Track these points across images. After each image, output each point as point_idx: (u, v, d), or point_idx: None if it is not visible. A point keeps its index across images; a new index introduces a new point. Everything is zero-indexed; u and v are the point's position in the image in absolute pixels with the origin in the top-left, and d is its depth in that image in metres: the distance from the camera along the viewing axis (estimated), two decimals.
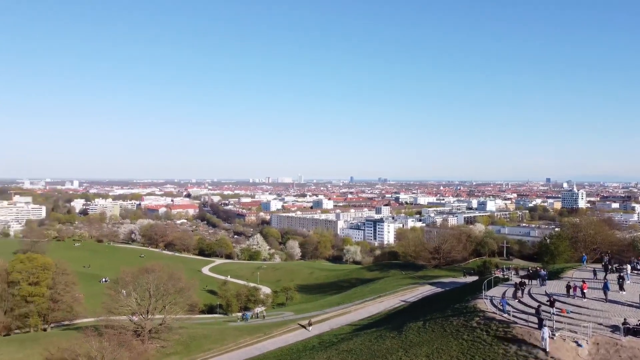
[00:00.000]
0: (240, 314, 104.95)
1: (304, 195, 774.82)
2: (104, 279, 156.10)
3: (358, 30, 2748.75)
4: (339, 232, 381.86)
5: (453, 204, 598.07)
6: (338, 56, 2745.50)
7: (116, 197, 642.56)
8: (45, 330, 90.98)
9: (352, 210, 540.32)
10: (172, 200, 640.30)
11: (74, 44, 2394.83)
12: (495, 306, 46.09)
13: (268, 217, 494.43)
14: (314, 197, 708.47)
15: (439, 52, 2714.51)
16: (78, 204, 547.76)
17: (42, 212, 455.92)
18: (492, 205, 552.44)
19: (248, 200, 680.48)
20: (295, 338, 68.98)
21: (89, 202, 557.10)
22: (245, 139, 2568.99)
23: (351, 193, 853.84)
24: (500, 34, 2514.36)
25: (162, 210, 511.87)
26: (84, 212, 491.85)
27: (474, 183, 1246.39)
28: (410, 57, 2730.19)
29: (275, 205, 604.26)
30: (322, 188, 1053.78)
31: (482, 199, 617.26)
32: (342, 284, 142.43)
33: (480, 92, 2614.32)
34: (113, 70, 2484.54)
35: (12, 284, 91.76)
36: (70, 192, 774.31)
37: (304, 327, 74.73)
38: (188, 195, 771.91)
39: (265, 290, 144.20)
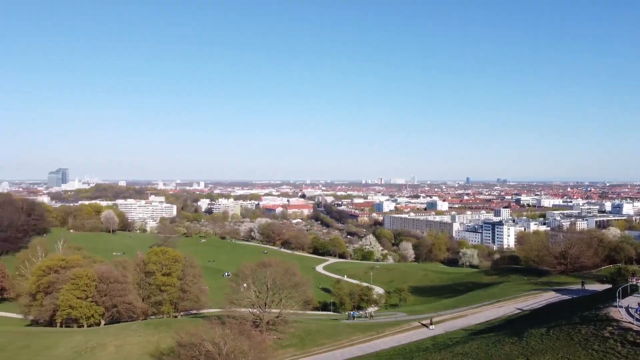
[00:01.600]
0: (349, 313, 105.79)
1: (417, 197, 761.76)
2: (226, 273, 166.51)
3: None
4: (454, 235, 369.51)
5: (582, 207, 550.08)
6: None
7: (237, 197, 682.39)
8: (176, 317, 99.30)
9: (469, 212, 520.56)
10: (288, 201, 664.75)
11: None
12: (631, 316, 41.61)
13: (381, 218, 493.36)
14: (428, 199, 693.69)
15: None
16: (204, 204, 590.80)
17: (173, 210, 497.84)
18: (629, 209, 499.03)
19: (361, 201, 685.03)
20: (409, 338, 68.02)
21: (213, 202, 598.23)
22: (358, 140, 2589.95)
23: (467, 194, 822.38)
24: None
25: (278, 210, 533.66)
26: (209, 211, 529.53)
27: (607, 184, 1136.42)
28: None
29: (388, 206, 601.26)
30: (436, 189, 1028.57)
31: (617, 202, 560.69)
32: (457, 287, 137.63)
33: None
34: (234, 84, 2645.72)
35: (149, 274, 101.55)
36: (197, 192, 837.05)
37: (425, 325, 73.67)
38: (303, 196, 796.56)
39: (378, 290, 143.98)
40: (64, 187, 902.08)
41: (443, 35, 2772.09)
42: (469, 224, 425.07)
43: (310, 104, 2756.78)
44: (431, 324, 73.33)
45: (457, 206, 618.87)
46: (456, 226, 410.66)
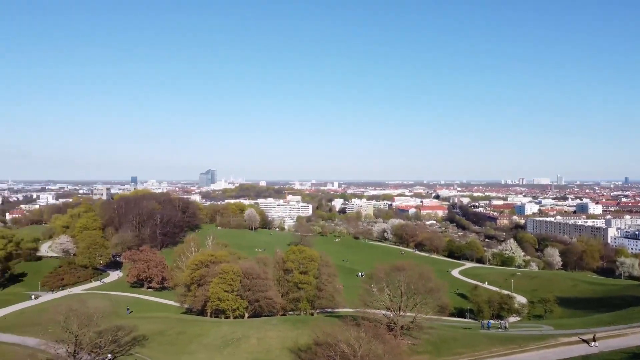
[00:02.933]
0: (484, 322, 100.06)
1: (564, 198, 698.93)
2: (360, 274, 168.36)
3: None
4: (609, 241, 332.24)
5: None
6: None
7: (370, 198, 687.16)
8: (312, 314, 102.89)
9: (628, 217, 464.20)
10: (421, 201, 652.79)
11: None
12: None
13: (522, 221, 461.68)
14: (577, 201, 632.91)
15: None
16: (337, 203, 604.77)
17: (309, 209, 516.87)
18: None
19: (500, 202, 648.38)
20: (556, 356, 62.56)
21: (346, 202, 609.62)
22: (496, 139, 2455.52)
23: (625, 196, 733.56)
24: None
25: (411, 210, 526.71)
26: (343, 211, 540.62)
27: None
28: None
29: (531, 208, 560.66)
30: (587, 190, 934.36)
31: None
32: (614, 301, 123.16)
33: None
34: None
35: (287, 272, 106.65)
36: (331, 192, 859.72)
37: (586, 341, 67.14)
38: (437, 197, 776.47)
39: (520, 299, 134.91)
40: (212, 186, 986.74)
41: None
42: (628, 230, 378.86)
43: (444, 103, 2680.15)
44: (594, 340, 66.15)
45: (612, 209, 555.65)
46: (612, 232, 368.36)
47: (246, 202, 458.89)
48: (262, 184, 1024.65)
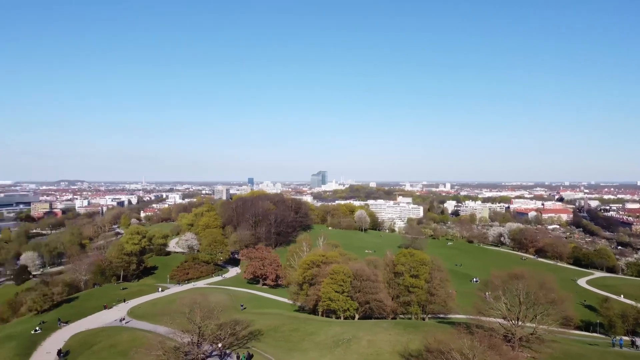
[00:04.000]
0: (615, 338, 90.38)
1: None
2: (474, 279, 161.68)
3: None
4: None
5: None
6: None
7: (485, 200, 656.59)
8: (423, 319, 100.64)
9: None
10: (542, 204, 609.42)
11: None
12: None
13: None
14: None
15: None
16: (450, 205, 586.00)
17: (420, 211, 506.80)
18: None
19: (635, 206, 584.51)
20: None
21: (459, 204, 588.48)
22: (628, 132, 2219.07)
23: None
24: None
25: (531, 214, 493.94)
26: (455, 213, 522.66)
27: None
28: None
29: None
30: None
31: None
32: None
33: None
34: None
35: (398, 275, 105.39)
36: (443, 193, 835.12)
37: None
38: (560, 199, 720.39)
39: None
40: (323, 187, 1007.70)
41: None
42: None
43: (571, 96, 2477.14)
44: None
45: None
46: None
47: (356, 203, 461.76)
48: (372, 185, 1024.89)
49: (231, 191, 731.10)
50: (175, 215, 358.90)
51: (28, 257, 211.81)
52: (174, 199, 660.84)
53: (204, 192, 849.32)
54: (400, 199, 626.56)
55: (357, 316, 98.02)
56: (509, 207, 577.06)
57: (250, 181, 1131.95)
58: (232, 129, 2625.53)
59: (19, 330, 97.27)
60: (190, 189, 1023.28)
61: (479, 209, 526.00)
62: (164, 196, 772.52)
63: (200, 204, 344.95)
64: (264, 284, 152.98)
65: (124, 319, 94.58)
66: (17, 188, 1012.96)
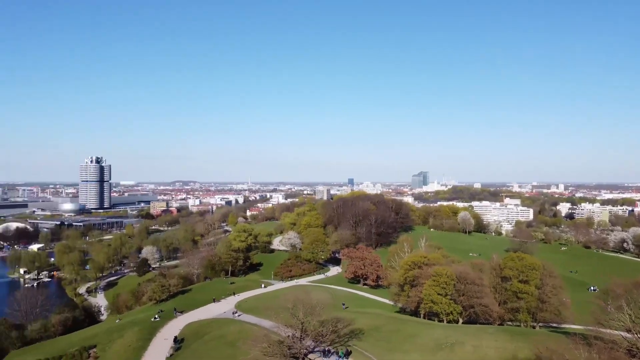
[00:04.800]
0: None
1: None
2: (592, 288, 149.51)
3: None
4: None
5: None
6: None
7: (604, 202, 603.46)
8: (533, 327, 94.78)
9: None
10: None
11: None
12: None
13: None
14: None
15: None
16: (563, 208, 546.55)
17: (529, 214, 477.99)
18: None
19: None
20: None
21: (574, 206, 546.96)
22: None
23: None
24: None
25: None
26: (570, 216, 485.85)
27: None
28: None
29: None
30: None
31: None
32: None
33: None
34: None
35: (505, 279, 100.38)
36: (556, 195, 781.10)
37: None
38: None
39: None
40: (424, 188, 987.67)
41: None
42: None
43: None
44: None
45: None
46: None
47: (459, 204, 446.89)
48: (477, 185, 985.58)
49: (332, 191, 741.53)
50: (278, 214, 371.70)
51: (148, 251, 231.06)
52: (277, 198, 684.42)
53: (305, 192, 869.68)
54: (507, 200, 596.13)
55: (460, 320, 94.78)
56: (632, 211, 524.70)
57: (351, 182, 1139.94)
58: (332, 130, 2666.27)
59: (141, 317, 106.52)
60: (293, 189, 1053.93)
61: (597, 211, 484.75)
62: (268, 196, 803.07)
63: (302, 204, 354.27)
64: (364, 284, 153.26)
65: (236, 312, 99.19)
66: (139, 188, 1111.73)
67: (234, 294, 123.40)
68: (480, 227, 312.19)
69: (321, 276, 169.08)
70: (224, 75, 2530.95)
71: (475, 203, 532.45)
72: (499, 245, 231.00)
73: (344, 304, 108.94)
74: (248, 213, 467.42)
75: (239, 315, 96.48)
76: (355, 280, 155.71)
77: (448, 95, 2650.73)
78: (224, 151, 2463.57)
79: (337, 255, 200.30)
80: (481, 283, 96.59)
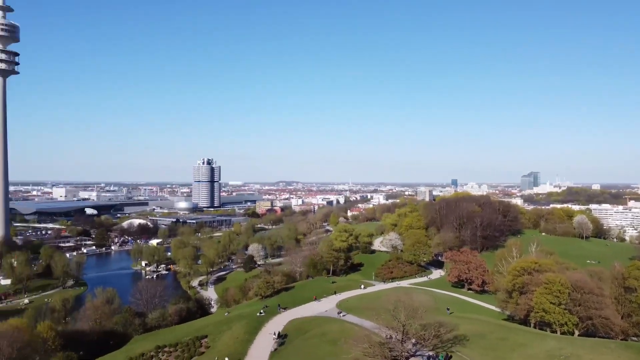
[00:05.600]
0: None
1: None
2: None
3: None
4: None
5: None
6: None
7: None
8: None
9: None
10: None
11: None
12: None
13: None
14: None
15: None
16: None
17: None
18: None
19: None
20: None
21: None
22: None
23: None
24: None
25: None
26: None
27: None
28: None
29: None
30: None
31: None
32: None
33: None
34: None
35: (629, 290, 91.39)
36: None
37: None
38: None
39: None
40: (535, 190, 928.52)
41: None
42: None
43: None
44: None
45: None
46: None
47: (575, 207, 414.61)
48: (595, 187, 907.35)
49: (434, 192, 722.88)
50: (379, 215, 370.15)
51: (254, 249, 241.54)
52: (378, 199, 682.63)
53: (406, 193, 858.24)
54: (632, 203, 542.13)
55: (576, 332, 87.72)
56: None
57: (454, 182, 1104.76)
58: (435, 129, 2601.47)
59: (247, 311, 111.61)
60: (393, 190, 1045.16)
61: None
62: (369, 197, 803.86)
63: (403, 205, 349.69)
64: (469, 289, 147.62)
65: (341, 312, 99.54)
66: (245, 188, 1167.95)
67: (335, 293, 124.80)
68: (600, 232, 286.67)
69: (423, 279, 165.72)
70: (326, 73, 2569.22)
71: (593, 206, 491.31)
72: (622, 252, 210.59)
73: (448, 309, 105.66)
74: (349, 213, 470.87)
75: (343, 315, 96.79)
76: (458, 284, 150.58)
77: (562, 89, 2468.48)
78: (326, 152, 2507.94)
79: (439, 258, 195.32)
80: (601, 293, 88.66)
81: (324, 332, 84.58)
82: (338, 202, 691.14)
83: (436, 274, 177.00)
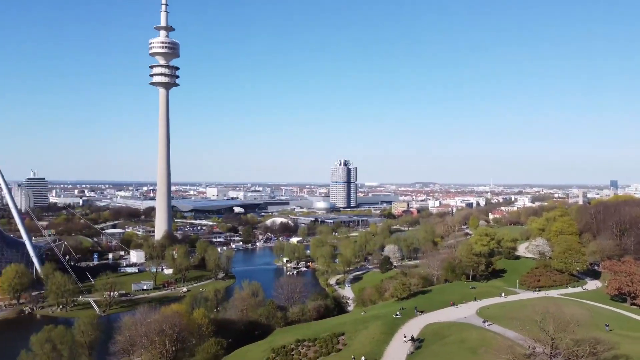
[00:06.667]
0: None
1: None
2: None
3: None
4: None
5: None
6: None
7: None
8: None
9: None
10: None
11: None
12: None
13: None
14: None
15: None
16: None
17: None
18: None
19: None
20: None
21: None
22: None
23: None
24: None
25: None
26: None
27: None
28: None
29: None
30: None
31: None
32: None
33: None
34: None
35: None
36: None
37: None
38: None
39: None
40: None
41: None
42: None
43: None
44: None
45: None
46: None
47: None
48: None
49: (589, 195, 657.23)
50: (524, 218, 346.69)
51: (390, 250, 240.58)
52: (523, 202, 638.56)
53: (556, 195, 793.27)
54: None
55: None
56: None
57: (613, 184, 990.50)
58: (591, 122, 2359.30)
59: (383, 312, 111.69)
60: (541, 192, 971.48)
61: None
62: (512, 199, 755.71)
63: (552, 208, 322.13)
64: (632, 304, 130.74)
65: (486, 321, 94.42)
66: (381, 189, 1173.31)
67: (475, 299, 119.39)
68: None
69: (575, 289, 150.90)
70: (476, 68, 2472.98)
71: None
72: None
73: (607, 325, 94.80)
74: (490, 216, 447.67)
75: (489, 325, 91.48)
76: (619, 297, 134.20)
77: None
78: (466, 151, 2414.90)
79: (595, 267, 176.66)
80: None
81: (463, 339, 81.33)
82: (478, 204, 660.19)
83: (591, 285, 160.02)
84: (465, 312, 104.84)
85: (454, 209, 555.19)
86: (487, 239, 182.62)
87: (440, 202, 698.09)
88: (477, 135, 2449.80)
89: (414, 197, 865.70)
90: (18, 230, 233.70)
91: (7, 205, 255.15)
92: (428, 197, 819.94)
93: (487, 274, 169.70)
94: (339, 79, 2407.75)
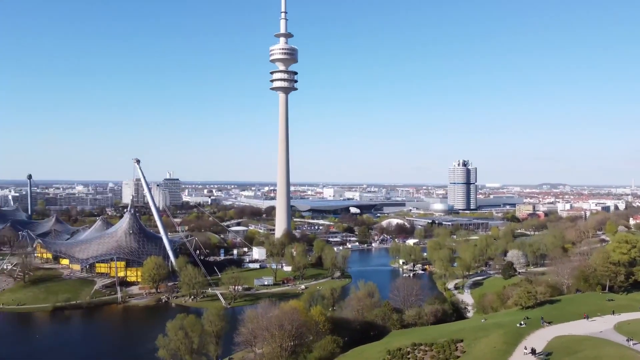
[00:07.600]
0: None
1: None
2: None
3: None
4: None
5: None
6: None
7: None
8: None
9: None
10: None
11: None
12: None
13: None
14: None
15: None
16: None
17: None
18: None
19: None
20: None
21: None
22: None
23: None
24: None
25: None
26: None
27: None
28: None
29: None
30: None
31: None
32: None
33: None
34: None
35: None
36: None
37: None
38: None
39: None
40: None
41: None
42: None
43: None
44: None
45: None
46: None
47: None
48: None
49: None
50: None
51: (513, 255, 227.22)
52: None
53: None
54: None
55: None
56: None
57: None
58: None
59: (506, 320, 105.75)
60: None
61: None
62: None
63: None
64: None
65: (631, 339, 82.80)
66: (504, 190, 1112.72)
67: (612, 312, 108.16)
68: None
69: None
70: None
71: None
72: None
73: None
74: (631, 221, 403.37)
75: (635, 344, 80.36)
76: None
77: None
78: (600, 151, 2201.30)
79: None
80: None
81: (597, 355, 74.05)
82: (616, 207, 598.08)
83: None
84: (600, 326, 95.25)
85: (587, 213, 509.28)
86: (628, 246, 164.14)
87: (571, 205, 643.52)
88: (614, 131, 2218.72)
89: (540, 199, 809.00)
90: (156, 226, 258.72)
91: (148, 203, 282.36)
92: (557, 200, 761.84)
93: (627, 285, 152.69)
94: (457, 77, 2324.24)
